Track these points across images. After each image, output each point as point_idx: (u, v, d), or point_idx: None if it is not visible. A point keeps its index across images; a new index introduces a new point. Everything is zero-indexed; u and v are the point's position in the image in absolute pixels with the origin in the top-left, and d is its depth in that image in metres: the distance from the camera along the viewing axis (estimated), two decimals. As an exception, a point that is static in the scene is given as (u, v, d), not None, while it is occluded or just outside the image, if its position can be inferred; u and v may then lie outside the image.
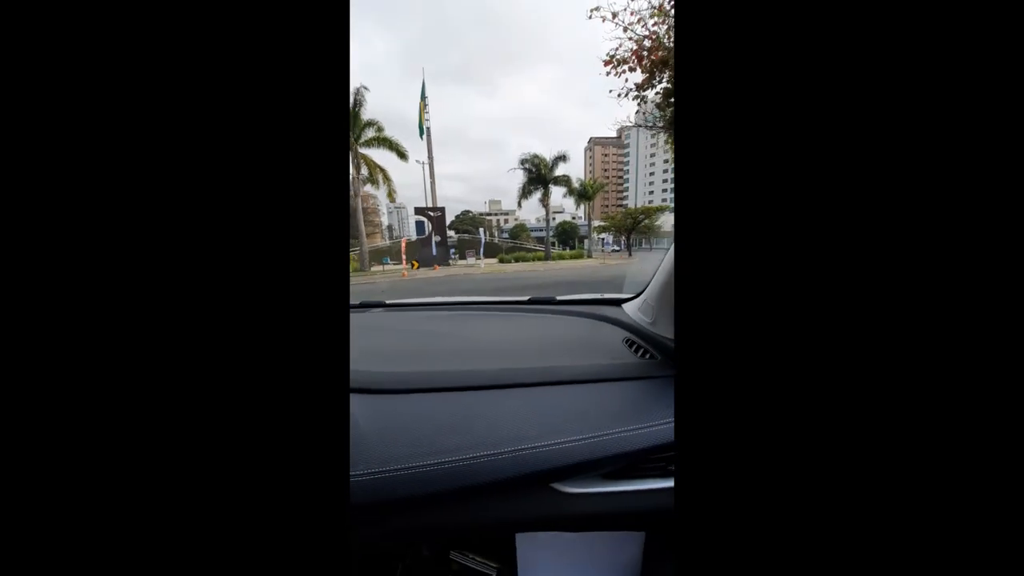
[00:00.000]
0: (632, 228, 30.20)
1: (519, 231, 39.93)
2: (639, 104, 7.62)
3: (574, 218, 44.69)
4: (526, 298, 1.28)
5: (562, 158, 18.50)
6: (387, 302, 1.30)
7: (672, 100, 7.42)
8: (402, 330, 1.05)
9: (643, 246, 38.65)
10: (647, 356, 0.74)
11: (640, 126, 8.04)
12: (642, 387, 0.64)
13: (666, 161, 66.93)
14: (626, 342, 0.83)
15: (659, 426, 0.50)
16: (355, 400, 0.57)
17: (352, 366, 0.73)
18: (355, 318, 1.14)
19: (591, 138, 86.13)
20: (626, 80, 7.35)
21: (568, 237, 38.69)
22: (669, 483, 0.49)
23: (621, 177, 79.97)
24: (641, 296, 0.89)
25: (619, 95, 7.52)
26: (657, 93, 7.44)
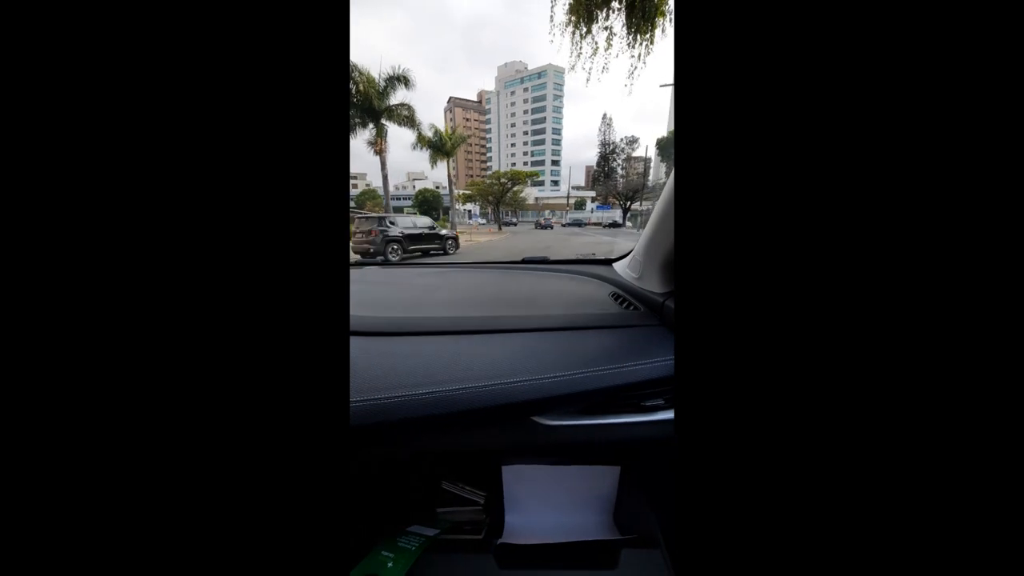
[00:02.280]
0: (501, 197, 26.51)
1: (365, 199, 31.62)
2: None
3: (437, 187, 38.52)
4: (519, 259, 1.40)
5: (401, 79, 12.39)
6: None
7: None
8: (396, 284, 1.12)
9: (508, 217, 35.69)
10: (631, 308, 0.80)
11: None
12: (623, 334, 0.69)
13: (526, 133, 65.78)
14: (612, 296, 0.89)
15: (633, 367, 0.56)
16: (353, 342, 0.62)
17: (351, 312, 0.70)
18: (353, 273, 1.26)
19: (451, 98, 79.15)
20: None
21: (430, 207, 32.70)
22: (640, 417, 0.56)
23: (484, 144, 76.17)
24: (630, 254, 0.95)
25: None
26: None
